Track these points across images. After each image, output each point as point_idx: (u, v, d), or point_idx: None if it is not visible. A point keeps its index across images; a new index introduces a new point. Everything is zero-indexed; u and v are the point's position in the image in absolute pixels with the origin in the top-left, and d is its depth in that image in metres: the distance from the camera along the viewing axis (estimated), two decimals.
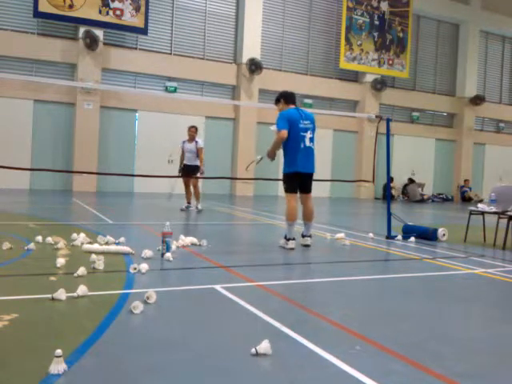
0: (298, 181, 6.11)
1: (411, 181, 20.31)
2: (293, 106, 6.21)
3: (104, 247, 5.18)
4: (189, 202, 10.35)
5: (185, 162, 10.31)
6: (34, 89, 14.86)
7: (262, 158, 6.69)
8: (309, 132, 6.07)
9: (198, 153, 10.19)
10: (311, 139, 6.12)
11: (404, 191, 20.26)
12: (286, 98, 6.28)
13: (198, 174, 10.14)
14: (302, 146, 6.01)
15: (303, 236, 6.29)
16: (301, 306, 3.53)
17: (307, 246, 6.18)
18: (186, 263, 4.93)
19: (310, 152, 6.10)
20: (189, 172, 10.18)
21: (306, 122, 6.06)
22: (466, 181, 21.95)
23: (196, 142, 10.25)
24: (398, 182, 20.47)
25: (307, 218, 6.30)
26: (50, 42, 15.15)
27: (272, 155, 6.17)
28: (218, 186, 17.13)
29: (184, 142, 10.35)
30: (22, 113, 15.01)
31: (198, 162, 10.25)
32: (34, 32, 15.13)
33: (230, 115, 17.90)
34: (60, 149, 15.59)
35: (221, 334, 2.88)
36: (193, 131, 10.29)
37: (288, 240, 5.98)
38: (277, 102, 6.35)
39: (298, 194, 6.25)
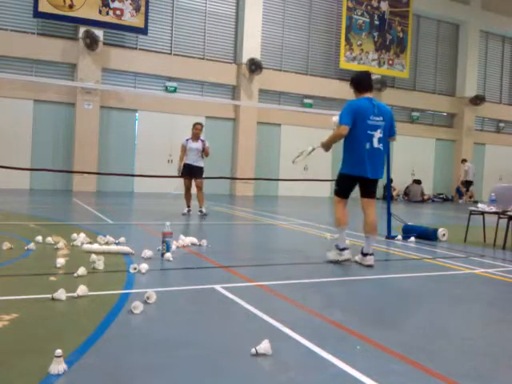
0: (354, 185, 5.26)
1: (416, 181, 20.22)
2: (368, 95, 5.18)
3: (104, 247, 5.18)
4: (189, 206, 9.55)
5: (187, 161, 9.49)
6: (33, 89, 14.86)
7: (313, 149, 5.95)
8: (379, 131, 5.04)
9: (204, 153, 9.48)
10: (380, 139, 5.08)
11: (406, 191, 20.24)
12: (357, 85, 5.25)
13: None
14: (368, 146, 5.01)
15: (364, 254, 5.19)
16: (301, 306, 3.53)
17: (370, 266, 5.10)
18: (186, 263, 4.93)
19: (377, 154, 5.08)
20: (192, 173, 9.42)
21: (377, 119, 5.04)
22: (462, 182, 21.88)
23: (203, 141, 9.53)
24: (398, 182, 20.43)
25: (369, 229, 5.25)
26: (50, 42, 15.15)
27: (327, 148, 5.40)
28: (218, 186, 17.13)
29: (188, 140, 9.51)
30: (22, 113, 15.01)
31: (202, 163, 9.56)
32: (34, 32, 15.13)
33: (230, 115, 17.90)
34: (60, 149, 15.59)
35: (221, 333, 2.88)
36: (198, 129, 9.49)
37: (342, 250, 5.13)
38: (350, 85, 5.38)
39: (350, 199, 5.50)
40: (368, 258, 5.14)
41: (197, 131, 9.52)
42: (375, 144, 5.04)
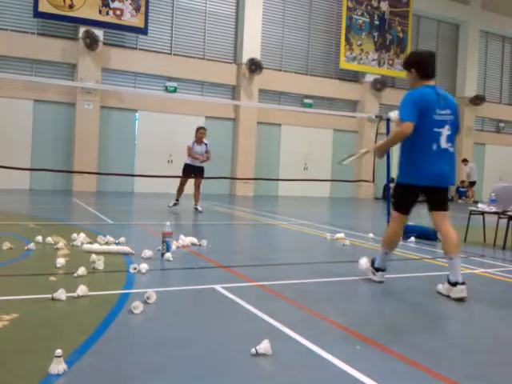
0: (417, 197, 4.26)
1: None
2: (431, 83, 4.23)
3: (104, 247, 5.18)
4: (177, 199, 10.17)
5: (189, 162, 10.10)
6: (33, 89, 14.85)
7: (366, 152, 5.40)
8: (446, 127, 4.07)
9: (207, 155, 10.05)
10: (449, 138, 4.09)
11: None
12: (421, 68, 4.24)
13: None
14: (435, 147, 4.04)
15: (452, 283, 3.98)
16: (301, 306, 3.53)
17: (461, 299, 3.89)
18: (186, 263, 4.93)
19: (446, 157, 4.09)
20: (194, 172, 10.04)
21: (444, 112, 4.08)
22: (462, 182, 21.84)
23: (205, 144, 10.11)
24: None
25: (450, 247, 4.07)
26: (50, 42, 15.15)
27: (382, 153, 4.41)
28: (218, 186, 17.15)
29: (194, 142, 10.06)
30: (22, 113, 15.01)
31: (202, 164, 10.19)
32: (34, 32, 15.12)
33: (230, 115, 17.91)
34: (60, 149, 15.58)
35: (221, 333, 2.88)
36: (203, 133, 10.06)
37: (377, 270, 4.43)
38: (406, 67, 4.33)
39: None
40: (459, 288, 3.91)
41: (201, 135, 10.05)
42: (443, 144, 4.07)
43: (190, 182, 10.37)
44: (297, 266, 5.14)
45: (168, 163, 16.45)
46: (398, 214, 4.31)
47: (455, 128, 4.17)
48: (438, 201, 4.20)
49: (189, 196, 10.47)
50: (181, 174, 10.25)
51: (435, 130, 4.04)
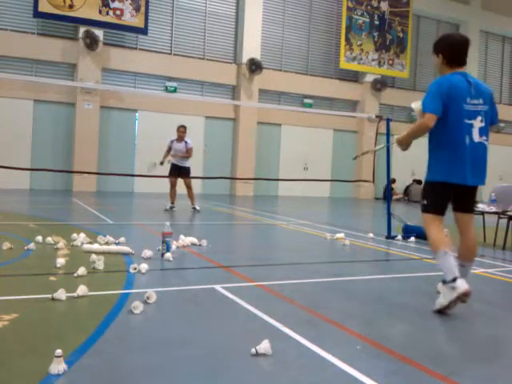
0: (450, 195, 3.75)
1: (416, 182, 20.19)
2: (460, 69, 3.86)
3: (104, 247, 5.18)
4: (173, 203, 10.14)
5: (174, 161, 10.21)
6: (34, 89, 14.85)
7: (383, 147, 5.25)
8: (479, 118, 3.67)
9: (187, 152, 10.09)
10: (483, 130, 3.68)
11: (407, 191, 20.20)
12: (449, 53, 3.85)
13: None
14: (467, 140, 3.62)
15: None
16: (301, 305, 3.53)
17: (463, 301, 3.54)
18: (186, 263, 4.93)
19: (478, 151, 3.67)
20: (180, 174, 10.08)
21: (476, 102, 3.70)
22: None
23: (186, 142, 10.13)
24: (398, 182, 20.40)
25: (468, 255, 3.82)
26: (50, 42, 15.15)
27: (405, 145, 3.98)
28: (218, 186, 17.16)
29: (172, 141, 10.19)
30: (22, 113, 15.00)
31: (187, 164, 10.21)
32: (34, 32, 15.12)
33: (230, 115, 17.91)
34: (60, 149, 15.58)
35: (221, 333, 2.88)
36: (182, 131, 10.15)
37: (453, 280, 3.45)
38: (434, 52, 3.96)
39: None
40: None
41: (180, 134, 10.16)
42: (476, 137, 3.65)
43: (182, 183, 10.32)
44: (297, 265, 5.14)
45: (168, 163, 16.41)
46: (433, 217, 3.72)
47: (489, 119, 3.78)
48: (467, 201, 3.80)
49: (186, 197, 10.44)
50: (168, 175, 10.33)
51: (466, 121, 3.63)
